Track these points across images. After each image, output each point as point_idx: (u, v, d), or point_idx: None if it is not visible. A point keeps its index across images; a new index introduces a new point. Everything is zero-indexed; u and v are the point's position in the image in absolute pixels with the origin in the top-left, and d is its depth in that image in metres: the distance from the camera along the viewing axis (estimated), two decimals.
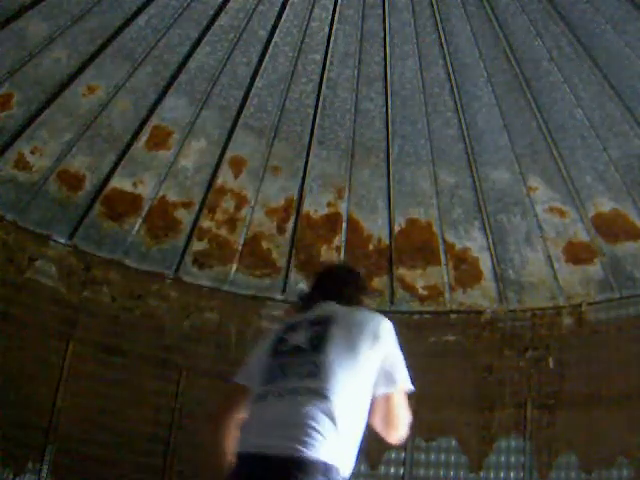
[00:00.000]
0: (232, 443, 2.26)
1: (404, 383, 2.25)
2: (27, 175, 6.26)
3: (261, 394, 2.18)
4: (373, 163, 6.83)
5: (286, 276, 7.09)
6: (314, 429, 2.01)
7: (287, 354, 2.20)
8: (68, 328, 6.36)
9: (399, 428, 2.27)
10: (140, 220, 6.71)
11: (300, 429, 2.00)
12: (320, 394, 2.06)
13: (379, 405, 2.21)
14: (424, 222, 6.92)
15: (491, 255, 6.80)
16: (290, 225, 7.01)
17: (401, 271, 7.04)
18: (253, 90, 6.47)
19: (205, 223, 6.89)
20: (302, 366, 2.14)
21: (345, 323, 2.23)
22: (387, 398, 2.22)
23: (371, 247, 7.06)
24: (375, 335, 2.21)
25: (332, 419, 2.03)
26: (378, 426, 2.26)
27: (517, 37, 5.94)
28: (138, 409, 6.44)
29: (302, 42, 6.26)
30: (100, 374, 6.38)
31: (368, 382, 2.16)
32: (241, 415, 2.28)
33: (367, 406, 2.16)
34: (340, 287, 2.47)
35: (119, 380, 6.42)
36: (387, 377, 2.20)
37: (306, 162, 6.82)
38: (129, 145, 6.49)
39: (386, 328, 2.27)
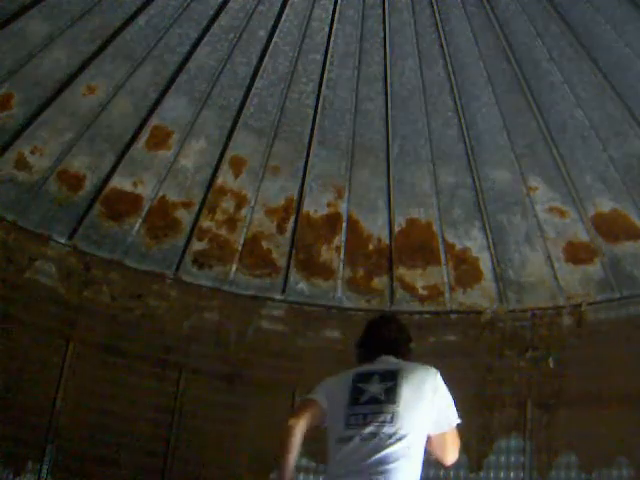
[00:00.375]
0: (295, 455, 2.81)
1: (455, 421, 2.84)
2: (27, 175, 6.26)
3: (346, 437, 2.68)
4: (373, 163, 6.83)
5: (286, 276, 7.09)
6: (396, 465, 2.57)
7: (366, 404, 2.71)
8: (68, 328, 6.36)
9: (453, 455, 2.91)
10: (140, 220, 6.71)
11: (385, 466, 2.56)
12: (397, 438, 2.61)
13: (437, 439, 2.81)
14: (424, 222, 6.92)
15: (491, 255, 6.81)
16: (290, 225, 7.01)
17: (401, 271, 7.04)
18: (253, 90, 6.47)
19: (205, 223, 6.89)
20: (380, 415, 2.66)
21: (411, 378, 2.77)
22: (443, 434, 2.82)
23: (371, 247, 7.06)
24: (435, 387, 2.78)
25: (407, 456, 2.62)
26: (435, 453, 2.88)
27: (517, 37, 5.94)
28: (138, 409, 6.44)
29: (302, 42, 6.26)
30: (100, 374, 6.38)
31: (429, 424, 2.74)
32: (309, 426, 2.84)
33: (425, 440, 2.74)
34: (396, 341, 3.01)
35: (119, 380, 6.42)
36: (444, 420, 2.80)
37: (306, 162, 6.82)
38: (129, 145, 6.49)
39: (440, 380, 2.82)
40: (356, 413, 2.70)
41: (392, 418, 2.64)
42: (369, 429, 2.63)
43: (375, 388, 2.73)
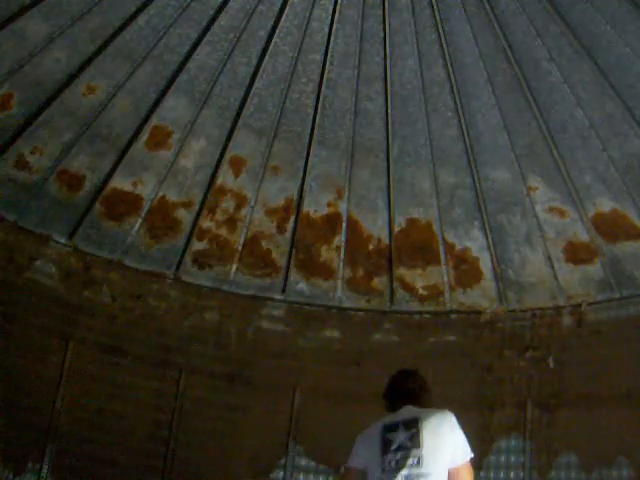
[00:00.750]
0: None
1: (468, 456, 3.30)
2: (27, 175, 6.26)
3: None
4: (373, 163, 6.83)
5: (286, 276, 7.09)
6: None
7: (396, 451, 3.25)
8: (68, 328, 6.36)
9: None
10: (140, 220, 6.72)
11: None
12: (424, 477, 3.15)
13: (453, 472, 3.25)
14: (424, 222, 6.92)
15: (491, 255, 6.81)
16: (290, 225, 7.01)
17: (401, 271, 7.04)
18: (253, 90, 6.47)
19: (205, 223, 6.89)
20: (408, 459, 3.20)
21: (430, 423, 3.30)
22: (458, 467, 3.26)
23: (371, 247, 7.06)
24: (451, 429, 3.30)
25: None
26: None
27: (517, 37, 5.94)
28: (138, 409, 6.44)
29: (302, 42, 6.26)
30: (100, 374, 6.38)
31: (448, 460, 3.23)
32: None
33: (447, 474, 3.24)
34: (415, 393, 3.55)
35: (119, 380, 6.42)
36: (459, 455, 3.26)
37: (306, 162, 6.83)
38: (129, 145, 6.49)
39: (455, 422, 3.34)
40: (389, 460, 3.25)
41: (418, 461, 3.19)
42: (401, 472, 3.18)
43: (401, 437, 3.29)
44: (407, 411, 3.44)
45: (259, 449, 6.65)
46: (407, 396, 3.53)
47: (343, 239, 7.05)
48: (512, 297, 6.81)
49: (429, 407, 3.50)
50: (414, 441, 3.25)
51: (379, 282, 7.10)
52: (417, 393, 3.57)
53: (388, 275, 7.07)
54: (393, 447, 3.28)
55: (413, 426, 3.30)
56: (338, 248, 7.07)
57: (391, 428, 3.36)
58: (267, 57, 6.31)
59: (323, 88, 6.46)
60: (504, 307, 6.83)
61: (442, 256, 6.93)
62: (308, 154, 6.78)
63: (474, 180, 6.64)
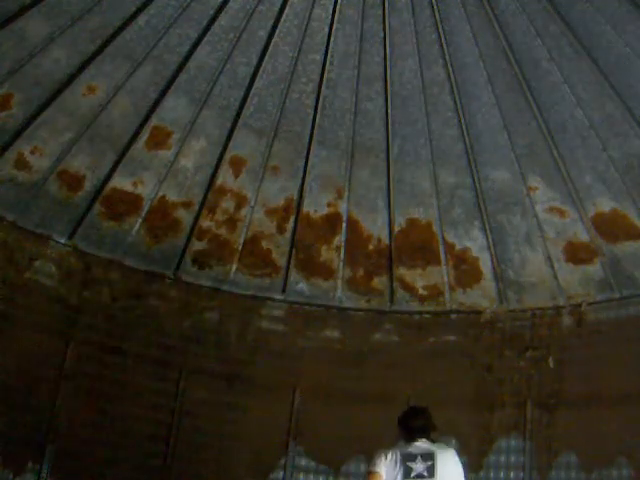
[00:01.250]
0: None
1: None
2: (27, 175, 6.26)
3: None
4: (373, 163, 6.84)
5: (286, 276, 7.09)
6: None
7: (414, 478, 3.99)
8: (68, 328, 6.36)
9: None
10: (140, 220, 6.72)
11: None
12: None
13: None
14: (424, 222, 6.93)
15: (491, 255, 6.81)
16: (290, 225, 7.01)
17: (401, 271, 7.04)
18: (253, 90, 6.47)
19: (205, 223, 6.89)
20: None
21: (442, 458, 4.07)
22: None
23: (371, 247, 7.06)
24: (456, 463, 4.12)
25: None
26: None
27: (517, 37, 5.94)
28: (138, 409, 6.44)
29: (302, 42, 6.26)
30: (100, 374, 6.38)
31: None
32: None
33: None
34: (426, 428, 4.24)
35: (119, 380, 6.42)
36: None
37: (306, 162, 6.83)
38: (129, 145, 6.49)
39: (457, 456, 4.16)
40: None
41: None
42: None
43: (419, 467, 4.02)
44: (422, 445, 4.15)
45: (259, 449, 6.65)
46: (420, 431, 4.22)
47: (343, 239, 7.05)
48: (512, 297, 6.82)
49: (437, 440, 4.21)
50: (430, 471, 4.02)
51: (379, 282, 7.11)
52: (427, 428, 4.27)
53: (388, 275, 7.07)
54: (413, 474, 4.03)
55: (429, 459, 4.07)
56: (338, 248, 7.07)
57: (411, 458, 4.10)
58: (267, 57, 6.31)
59: (323, 88, 6.47)
60: (504, 307, 6.83)
61: (442, 256, 6.93)
62: (308, 154, 6.79)
63: (474, 180, 6.65)
